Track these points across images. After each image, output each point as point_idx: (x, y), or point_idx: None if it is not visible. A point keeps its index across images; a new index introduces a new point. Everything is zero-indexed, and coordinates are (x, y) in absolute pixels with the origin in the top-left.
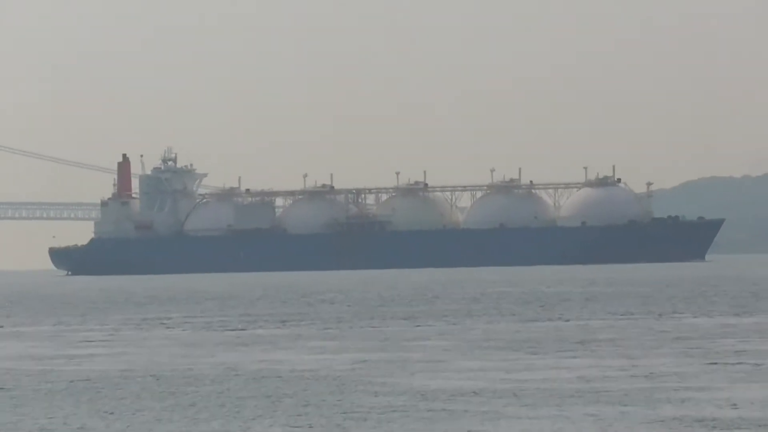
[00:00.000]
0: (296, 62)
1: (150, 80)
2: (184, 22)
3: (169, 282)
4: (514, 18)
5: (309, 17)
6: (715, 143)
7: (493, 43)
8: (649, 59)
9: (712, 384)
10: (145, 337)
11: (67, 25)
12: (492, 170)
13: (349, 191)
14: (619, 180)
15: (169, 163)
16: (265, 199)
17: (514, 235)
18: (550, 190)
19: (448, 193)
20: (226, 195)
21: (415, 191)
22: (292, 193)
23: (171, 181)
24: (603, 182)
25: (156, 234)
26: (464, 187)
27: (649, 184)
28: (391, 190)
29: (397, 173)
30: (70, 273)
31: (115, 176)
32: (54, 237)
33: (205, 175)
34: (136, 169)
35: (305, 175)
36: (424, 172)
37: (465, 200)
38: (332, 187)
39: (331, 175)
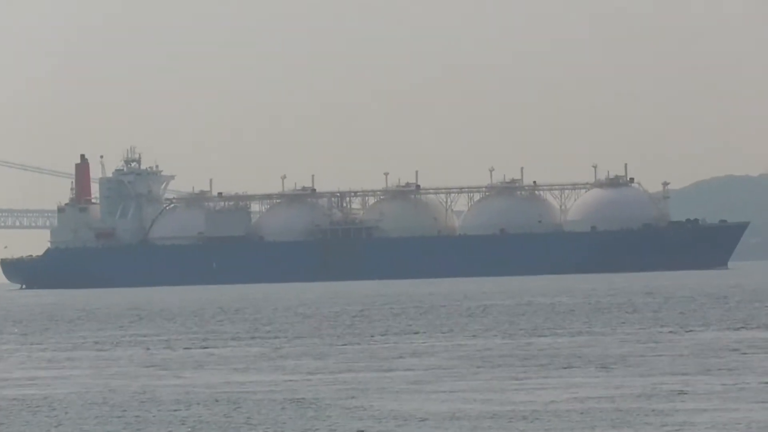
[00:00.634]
0: (272, 54)
1: (110, 75)
2: (149, 16)
3: (131, 296)
4: (516, 10)
5: (287, 8)
6: (731, 140)
7: (492, 35)
8: (660, 51)
9: None
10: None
11: (22, 21)
12: (491, 170)
13: (332, 194)
14: (632, 180)
15: (133, 164)
16: (240, 203)
17: (517, 242)
18: (556, 192)
19: (442, 196)
20: (196, 199)
21: (406, 194)
22: (269, 197)
23: (134, 184)
24: (614, 182)
25: (118, 243)
26: (460, 188)
27: (665, 184)
28: (379, 193)
29: (386, 174)
30: (24, 286)
31: (73, 179)
32: (6, 247)
33: (172, 177)
34: (95, 171)
35: (283, 177)
36: (416, 172)
37: (461, 203)
38: (313, 190)
39: (312, 176)
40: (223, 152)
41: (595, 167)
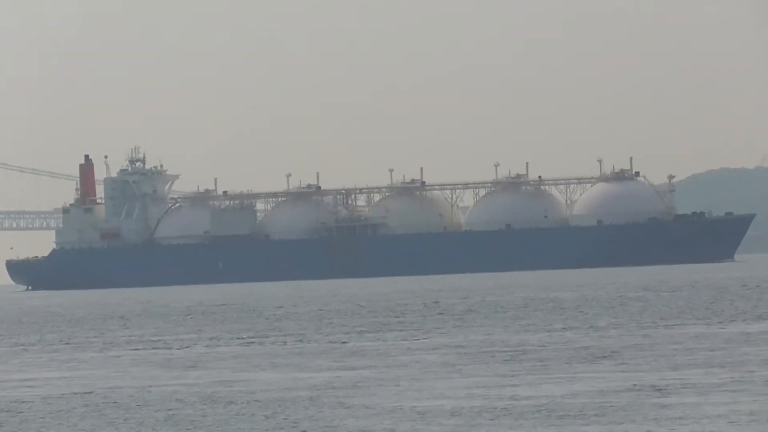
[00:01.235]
0: (276, 52)
1: (113, 75)
2: (151, 16)
3: (136, 296)
4: (520, 6)
5: (291, 7)
6: (725, 133)
7: (496, 31)
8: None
9: None
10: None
11: (21, 22)
12: (496, 165)
13: (337, 192)
14: (637, 173)
15: (137, 164)
16: (245, 202)
17: (523, 237)
18: (561, 186)
19: (447, 192)
20: (201, 198)
21: (411, 190)
22: (274, 195)
23: (139, 184)
24: (620, 176)
25: (124, 243)
26: (466, 184)
27: (670, 177)
28: (384, 190)
29: (391, 171)
30: (30, 288)
31: (77, 180)
32: (11, 248)
33: (177, 176)
34: (100, 172)
35: (288, 175)
36: (421, 168)
37: (467, 199)
38: (319, 188)
39: (318, 174)
40: (228, 151)
41: (600, 161)
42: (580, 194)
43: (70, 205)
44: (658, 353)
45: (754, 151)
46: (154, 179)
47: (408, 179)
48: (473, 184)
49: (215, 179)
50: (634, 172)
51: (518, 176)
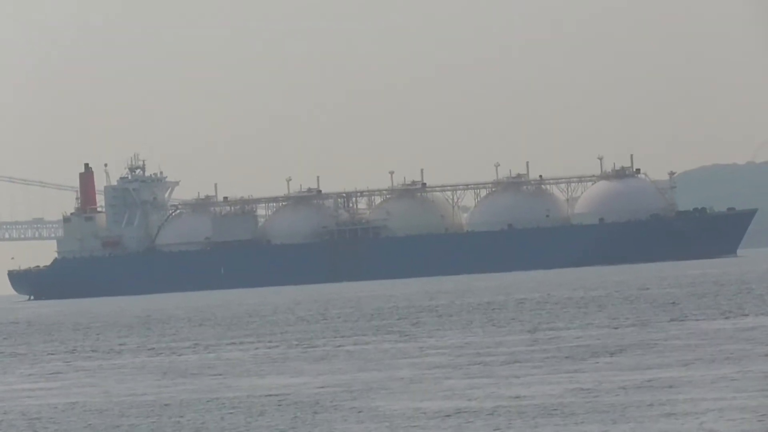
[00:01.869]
0: (274, 55)
1: (111, 81)
2: (150, 22)
3: (137, 303)
4: (519, 4)
5: (290, 9)
6: (717, 129)
7: (494, 30)
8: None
9: None
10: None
11: (22, 26)
12: (497, 165)
13: (338, 195)
14: (638, 171)
15: (137, 171)
16: (246, 207)
17: (525, 237)
18: (563, 185)
19: (448, 193)
20: (202, 205)
21: (412, 192)
22: (275, 200)
23: (139, 191)
24: (621, 174)
25: (125, 251)
26: (466, 185)
27: (671, 173)
28: (385, 192)
29: (391, 173)
30: (32, 298)
31: (77, 189)
32: (13, 258)
33: (177, 183)
34: (100, 180)
35: (289, 179)
36: (422, 170)
37: (468, 200)
38: (319, 192)
39: (318, 177)
40: (227, 156)
41: (600, 159)
42: (582, 193)
43: (71, 214)
44: None
45: (746, 147)
46: (154, 186)
47: (408, 181)
48: (474, 184)
49: (215, 185)
50: (634, 170)
51: (519, 176)
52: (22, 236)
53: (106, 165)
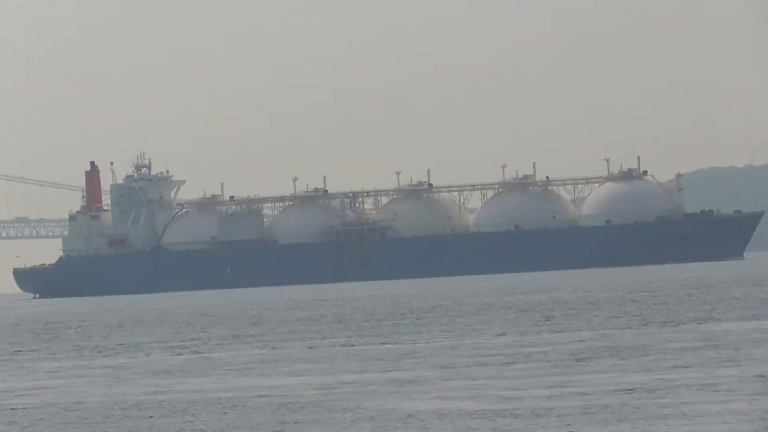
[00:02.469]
0: (280, 54)
1: (116, 80)
2: (155, 20)
3: (142, 302)
4: (526, 4)
5: (296, 8)
6: (714, 132)
7: (502, 30)
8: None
9: None
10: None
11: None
12: (503, 166)
13: (344, 195)
14: (645, 172)
15: (143, 170)
16: (252, 206)
17: (531, 238)
18: (569, 186)
19: (455, 194)
20: (208, 204)
21: (419, 193)
22: (281, 199)
23: (145, 190)
24: (627, 175)
25: (131, 249)
26: (473, 186)
27: (678, 175)
28: (391, 193)
29: (398, 173)
30: (37, 295)
31: (83, 187)
32: (18, 256)
33: (183, 182)
34: (106, 179)
35: (295, 179)
36: (428, 171)
37: (474, 201)
38: (326, 191)
39: (324, 177)
40: (234, 155)
41: (607, 161)
42: (588, 194)
43: (77, 212)
44: None
45: (744, 150)
46: (161, 185)
47: (415, 181)
48: (481, 185)
49: (222, 184)
50: (641, 171)
51: (526, 177)
52: (28, 234)
53: (112, 163)
